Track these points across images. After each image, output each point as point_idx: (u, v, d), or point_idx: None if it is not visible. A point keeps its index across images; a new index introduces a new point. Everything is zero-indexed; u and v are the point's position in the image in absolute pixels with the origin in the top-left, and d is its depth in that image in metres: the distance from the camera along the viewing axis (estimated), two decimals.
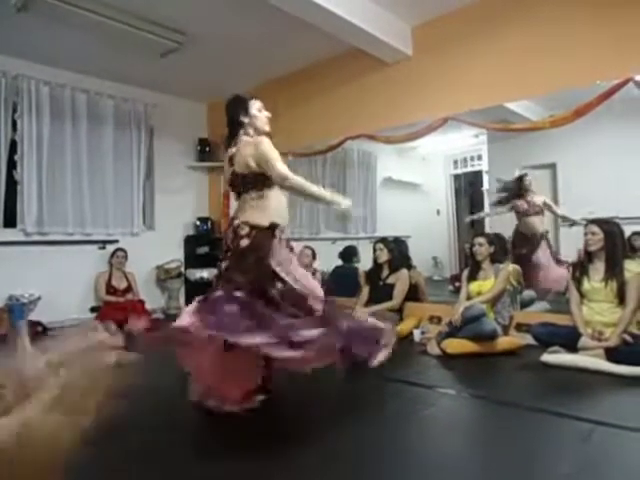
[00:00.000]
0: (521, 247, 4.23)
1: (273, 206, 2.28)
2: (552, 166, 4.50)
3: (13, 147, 4.52)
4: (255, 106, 2.40)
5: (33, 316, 4.41)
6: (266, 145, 2.24)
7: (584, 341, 2.85)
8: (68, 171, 4.88)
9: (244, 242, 2.20)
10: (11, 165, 4.50)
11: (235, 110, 2.38)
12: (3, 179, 4.42)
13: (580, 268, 3.05)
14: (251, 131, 2.37)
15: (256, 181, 2.25)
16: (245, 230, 2.22)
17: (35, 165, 4.62)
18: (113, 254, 5.03)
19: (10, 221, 4.56)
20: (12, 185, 4.53)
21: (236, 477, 1.62)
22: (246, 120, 2.37)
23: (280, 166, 2.22)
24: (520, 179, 4.36)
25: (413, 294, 4.16)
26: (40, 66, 4.63)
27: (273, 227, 2.24)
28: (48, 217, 4.71)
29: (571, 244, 3.95)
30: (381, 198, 6.24)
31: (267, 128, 2.42)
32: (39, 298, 4.52)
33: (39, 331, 4.19)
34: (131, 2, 3.65)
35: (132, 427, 1.77)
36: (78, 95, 4.95)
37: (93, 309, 4.89)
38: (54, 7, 3.47)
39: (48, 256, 4.71)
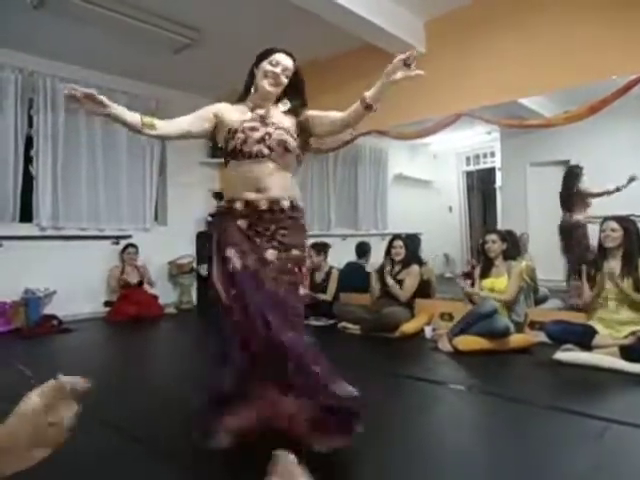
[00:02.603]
0: None
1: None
2: (566, 163, 4.46)
3: (29, 142, 4.59)
4: (274, 57, 1.82)
5: (48, 310, 4.49)
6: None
7: (598, 339, 2.83)
8: (82, 167, 4.94)
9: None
10: (27, 160, 4.57)
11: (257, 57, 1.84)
12: (20, 174, 4.49)
13: (594, 265, 3.02)
14: (252, 89, 1.82)
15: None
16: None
17: (50, 160, 4.68)
18: (124, 249, 5.09)
19: (26, 216, 4.62)
20: (28, 180, 4.59)
21: None
22: (255, 71, 1.82)
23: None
24: None
25: (425, 290, 4.16)
26: (55, 63, 4.68)
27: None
28: (63, 212, 4.77)
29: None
30: (392, 195, 6.23)
31: (267, 85, 1.77)
32: (54, 292, 4.59)
33: (54, 325, 4.27)
34: None
35: None
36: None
37: (107, 303, 4.95)
38: (69, 4, 3.50)
39: (63, 251, 4.76)
